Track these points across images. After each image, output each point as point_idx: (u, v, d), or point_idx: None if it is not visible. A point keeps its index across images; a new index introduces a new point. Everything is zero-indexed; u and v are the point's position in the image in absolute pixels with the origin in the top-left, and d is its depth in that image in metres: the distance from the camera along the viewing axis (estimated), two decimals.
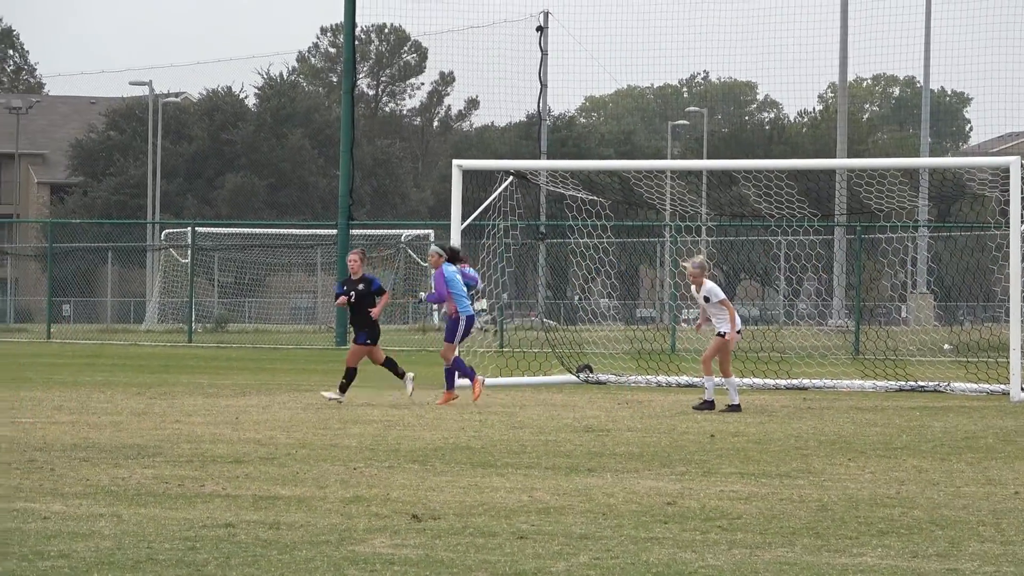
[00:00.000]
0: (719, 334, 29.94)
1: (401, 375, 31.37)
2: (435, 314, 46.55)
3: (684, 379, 37.47)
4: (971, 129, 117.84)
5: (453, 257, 31.96)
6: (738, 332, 30.46)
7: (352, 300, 31.08)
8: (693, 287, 31.00)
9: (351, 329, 33.20)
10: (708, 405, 29.56)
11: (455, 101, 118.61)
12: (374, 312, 30.03)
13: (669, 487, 17.51)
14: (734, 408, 29.74)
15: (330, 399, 30.20)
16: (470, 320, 32.13)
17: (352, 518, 14.11)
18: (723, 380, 30.18)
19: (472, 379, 31.62)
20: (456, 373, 31.21)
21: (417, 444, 23.33)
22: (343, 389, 29.62)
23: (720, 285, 31.94)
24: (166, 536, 12.72)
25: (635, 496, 16.54)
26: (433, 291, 31.76)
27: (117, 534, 12.85)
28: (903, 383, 36.93)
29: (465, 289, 31.65)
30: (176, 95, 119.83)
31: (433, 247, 34.85)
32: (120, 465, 19.55)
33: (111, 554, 11.85)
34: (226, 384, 37.80)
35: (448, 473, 19.55)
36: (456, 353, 31.91)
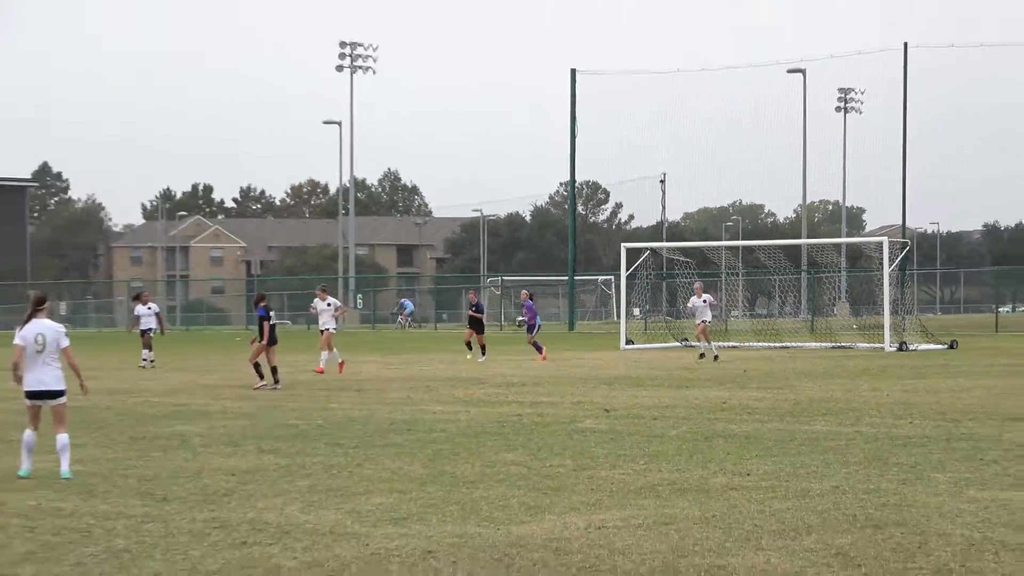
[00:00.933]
0: (701, 322, 49.76)
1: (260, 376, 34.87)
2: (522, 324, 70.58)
3: (729, 343, 60.54)
4: (865, 225, 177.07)
5: (531, 296, 55.84)
6: (707, 320, 50.91)
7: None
8: (696, 296, 50.34)
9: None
10: (703, 356, 50.24)
11: (623, 215, 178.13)
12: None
13: (723, 394, 33.32)
14: (716, 358, 49.23)
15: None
16: (537, 324, 53.15)
17: (575, 411, 28.57)
18: (709, 344, 49.58)
19: (541, 351, 50.29)
20: (540, 348, 51.45)
21: (604, 375, 40.28)
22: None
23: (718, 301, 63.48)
24: (488, 420, 26.34)
25: (708, 398, 32.14)
26: (524, 313, 55.47)
27: (470, 420, 26.13)
28: (835, 344, 61.20)
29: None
30: (494, 216, 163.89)
31: (524, 290, 59.37)
32: (463, 388, 35.08)
33: (447, 431, 24.24)
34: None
35: (621, 388, 35.58)
36: (535, 339, 51.85)
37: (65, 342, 18.38)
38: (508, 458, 20.41)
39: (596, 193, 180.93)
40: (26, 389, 18.38)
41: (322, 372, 40.33)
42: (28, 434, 18.30)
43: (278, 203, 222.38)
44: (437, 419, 27.14)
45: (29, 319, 18.27)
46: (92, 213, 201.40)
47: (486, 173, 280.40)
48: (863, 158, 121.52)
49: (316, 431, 25.07)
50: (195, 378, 41.55)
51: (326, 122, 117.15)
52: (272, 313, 36.77)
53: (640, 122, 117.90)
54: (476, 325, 49.62)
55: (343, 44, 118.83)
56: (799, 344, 63.40)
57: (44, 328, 18.18)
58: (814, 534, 13.72)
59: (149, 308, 47.07)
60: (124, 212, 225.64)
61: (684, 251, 77.80)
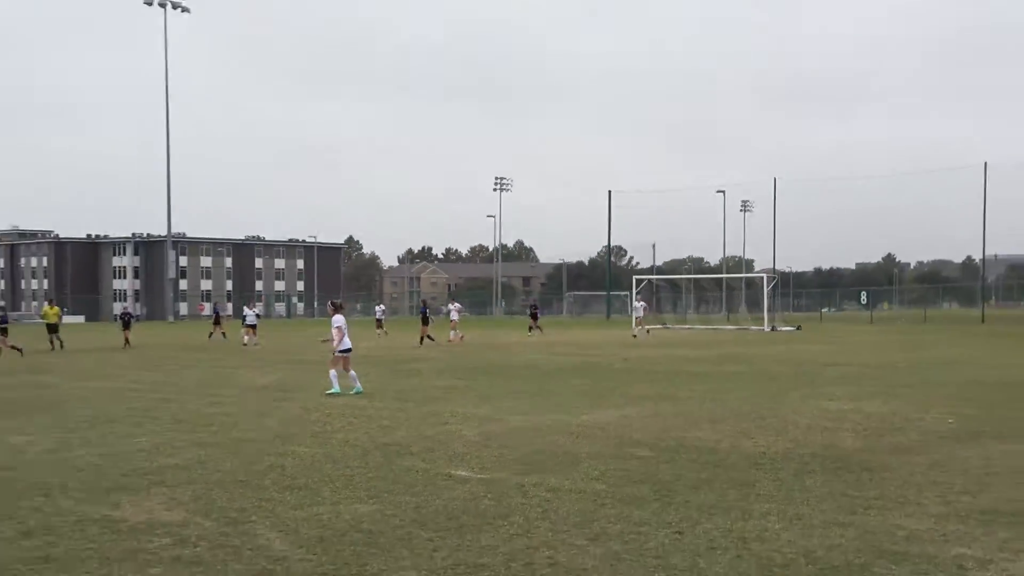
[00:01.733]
0: (638, 316, 54.74)
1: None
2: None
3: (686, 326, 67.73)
4: (755, 266, 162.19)
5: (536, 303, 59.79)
6: (640, 316, 55.27)
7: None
8: (638, 303, 56.88)
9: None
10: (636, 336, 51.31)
11: (634, 262, 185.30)
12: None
13: (687, 352, 36.73)
14: (648, 332, 53.57)
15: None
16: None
17: (610, 360, 31.78)
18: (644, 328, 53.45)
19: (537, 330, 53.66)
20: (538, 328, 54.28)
21: (622, 343, 47.24)
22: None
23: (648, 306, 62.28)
24: (566, 363, 29.88)
25: (677, 354, 35.16)
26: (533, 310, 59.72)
27: (558, 363, 29.91)
28: (739, 327, 66.50)
29: None
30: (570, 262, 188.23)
31: (534, 299, 66.92)
32: (554, 347, 41.12)
33: (545, 368, 28.21)
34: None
35: (632, 349, 39.23)
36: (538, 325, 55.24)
37: (345, 326, 21.52)
38: (577, 382, 23.13)
39: (620, 249, 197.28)
40: (341, 348, 21.34)
41: (451, 341, 46.13)
42: (334, 373, 21.25)
43: (464, 255, 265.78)
44: (542, 362, 30.81)
45: (337, 312, 21.88)
46: (372, 260, 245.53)
47: (571, 237, 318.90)
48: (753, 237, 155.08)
49: (480, 368, 28.48)
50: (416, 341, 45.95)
51: (488, 215, 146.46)
52: (428, 310, 47.30)
53: (644, 217, 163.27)
54: (534, 317, 57.16)
55: (497, 179, 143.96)
56: (720, 327, 71.22)
57: (343, 320, 21.64)
58: (728, 422, 15.82)
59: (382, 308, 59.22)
60: (388, 259, 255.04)
61: (665, 280, 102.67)
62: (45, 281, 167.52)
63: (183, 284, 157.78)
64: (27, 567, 7.59)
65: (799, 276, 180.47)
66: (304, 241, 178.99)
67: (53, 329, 43.81)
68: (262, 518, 9.23)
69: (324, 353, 26.38)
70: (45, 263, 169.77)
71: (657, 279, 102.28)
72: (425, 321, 45.17)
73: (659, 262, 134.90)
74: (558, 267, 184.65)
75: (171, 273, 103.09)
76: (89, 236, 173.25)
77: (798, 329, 63.14)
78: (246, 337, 45.09)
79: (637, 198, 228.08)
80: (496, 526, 8.84)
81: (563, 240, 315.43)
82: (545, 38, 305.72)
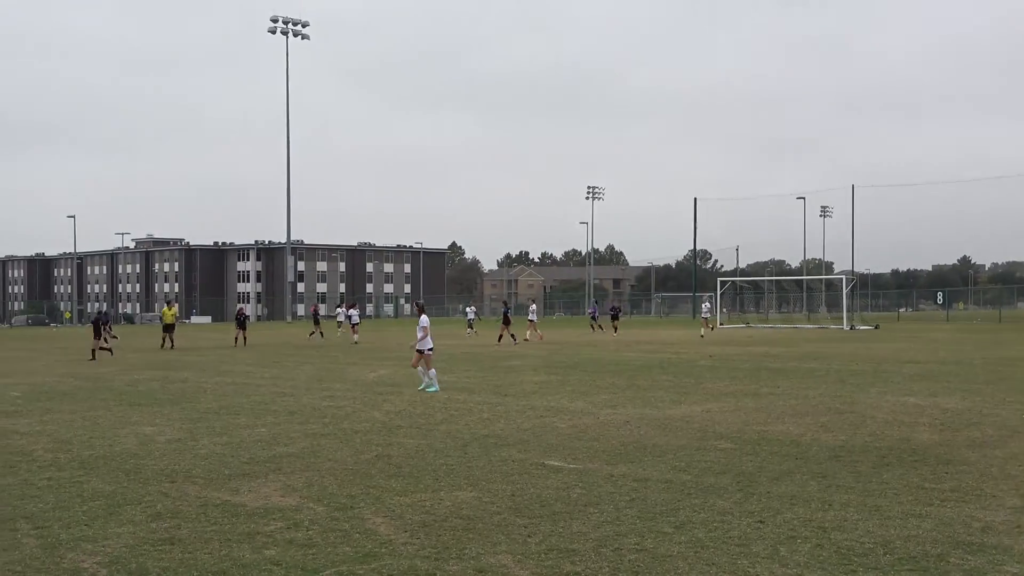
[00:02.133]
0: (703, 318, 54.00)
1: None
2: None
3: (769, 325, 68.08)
4: (834, 268, 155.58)
5: (596, 301, 57.85)
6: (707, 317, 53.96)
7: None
8: (705, 304, 55.24)
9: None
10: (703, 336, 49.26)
11: (718, 264, 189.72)
12: None
13: (767, 349, 36.01)
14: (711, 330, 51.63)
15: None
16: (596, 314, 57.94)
17: (694, 356, 31.26)
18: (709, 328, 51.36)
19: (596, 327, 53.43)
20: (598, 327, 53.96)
21: (708, 340, 47.27)
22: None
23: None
24: (652, 360, 29.40)
25: (758, 352, 34.10)
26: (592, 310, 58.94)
27: (644, 360, 29.39)
28: (818, 325, 70.22)
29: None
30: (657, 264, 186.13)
31: (593, 300, 65.54)
32: (640, 345, 40.38)
33: (634, 364, 27.83)
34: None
35: (717, 346, 38.73)
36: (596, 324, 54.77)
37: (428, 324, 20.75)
38: (663, 378, 22.85)
39: (705, 253, 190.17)
40: (425, 347, 20.72)
41: (528, 340, 45.49)
42: (422, 370, 20.67)
43: (558, 259, 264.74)
44: (630, 359, 30.58)
45: (423, 313, 21.45)
46: (473, 264, 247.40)
47: (658, 241, 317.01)
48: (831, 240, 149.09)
49: (573, 364, 28.35)
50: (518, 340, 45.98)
51: (581, 222, 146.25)
52: (508, 309, 47.42)
53: (727, 222, 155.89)
54: (615, 318, 55.09)
55: (589, 188, 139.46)
56: (801, 326, 69.74)
57: (428, 320, 21.09)
58: (809, 416, 15.49)
59: (473, 309, 58.09)
60: (488, 263, 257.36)
61: (748, 281, 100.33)
62: (176, 284, 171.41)
63: (300, 287, 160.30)
64: (155, 548, 7.71)
65: (877, 277, 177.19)
66: (411, 247, 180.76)
67: (168, 329, 43.63)
68: (369, 504, 9.26)
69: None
70: (176, 268, 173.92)
71: (740, 281, 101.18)
72: (506, 321, 45.04)
73: (742, 264, 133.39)
74: (647, 270, 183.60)
75: (290, 277, 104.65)
76: (216, 243, 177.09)
77: (876, 328, 61.95)
78: (355, 336, 45.64)
79: (720, 205, 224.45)
80: (587, 513, 8.76)
81: (651, 244, 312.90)
82: (634, 53, 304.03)
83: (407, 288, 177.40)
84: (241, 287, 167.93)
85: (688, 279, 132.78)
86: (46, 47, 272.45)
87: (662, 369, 26.14)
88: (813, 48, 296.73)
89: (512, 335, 43.32)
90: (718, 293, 74.14)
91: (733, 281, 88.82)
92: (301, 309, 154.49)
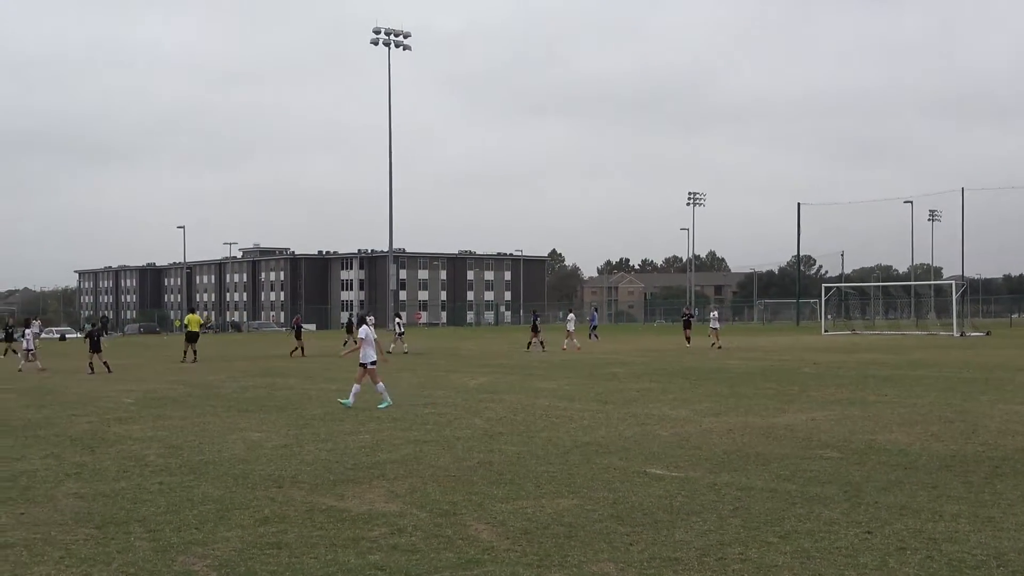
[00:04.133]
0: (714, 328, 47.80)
1: None
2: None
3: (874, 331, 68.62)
4: (943, 274, 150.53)
5: (596, 308, 57.44)
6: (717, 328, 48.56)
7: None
8: (713, 313, 50.36)
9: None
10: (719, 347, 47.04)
11: (822, 271, 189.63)
12: None
13: (876, 356, 34.65)
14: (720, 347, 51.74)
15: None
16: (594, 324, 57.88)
17: (798, 363, 30.72)
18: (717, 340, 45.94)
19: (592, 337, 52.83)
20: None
21: (811, 347, 46.71)
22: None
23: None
24: (755, 368, 29.02)
25: (865, 358, 33.35)
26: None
27: (747, 367, 29.37)
28: (928, 332, 69.91)
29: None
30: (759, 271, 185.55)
31: (593, 304, 60.77)
32: (745, 351, 39.97)
33: (736, 372, 27.51)
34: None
35: (821, 353, 37.75)
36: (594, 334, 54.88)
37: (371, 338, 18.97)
38: (767, 386, 22.59)
39: (809, 258, 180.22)
40: (371, 360, 19.00)
41: (565, 349, 44.71)
42: (356, 387, 18.96)
43: (659, 265, 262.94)
44: (732, 367, 30.24)
45: (362, 324, 19.57)
46: (574, 271, 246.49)
47: (760, 247, 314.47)
48: (940, 245, 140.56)
49: (675, 372, 28.16)
50: (619, 347, 47.45)
51: (682, 228, 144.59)
52: (537, 318, 47.35)
53: (831, 227, 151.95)
54: (687, 326, 51.51)
55: (690, 194, 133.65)
56: (909, 332, 68.26)
57: (370, 331, 19.24)
58: (918, 425, 15.11)
59: (572, 316, 54.64)
60: (588, 270, 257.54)
61: (854, 287, 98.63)
62: (282, 293, 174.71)
63: (403, 295, 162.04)
64: (262, 552, 7.84)
65: (988, 283, 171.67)
66: (511, 254, 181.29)
67: (192, 338, 38.77)
68: (471, 510, 9.28)
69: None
70: (282, 277, 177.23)
71: (846, 287, 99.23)
72: (535, 329, 45.13)
73: (847, 270, 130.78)
74: (749, 276, 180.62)
75: (392, 285, 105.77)
76: (320, 252, 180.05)
77: (987, 334, 60.43)
78: (405, 346, 43.98)
79: (825, 209, 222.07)
80: (689, 522, 8.68)
81: (753, 250, 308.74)
82: (730, 58, 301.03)
83: (507, 296, 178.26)
84: (344, 295, 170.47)
85: (791, 285, 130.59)
86: (131, 62, 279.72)
87: (765, 377, 25.79)
88: (913, 49, 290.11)
89: (541, 342, 43.54)
90: (823, 299, 72.85)
91: (838, 287, 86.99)
92: (404, 317, 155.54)
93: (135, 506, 9.74)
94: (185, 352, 38.71)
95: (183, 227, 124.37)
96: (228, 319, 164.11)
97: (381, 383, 19.09)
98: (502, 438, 14.25)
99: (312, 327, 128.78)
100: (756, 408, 17.91)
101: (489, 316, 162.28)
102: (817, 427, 15.00)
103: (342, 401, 19.27)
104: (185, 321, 41.61)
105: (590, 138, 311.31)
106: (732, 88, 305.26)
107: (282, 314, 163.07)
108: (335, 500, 9.87)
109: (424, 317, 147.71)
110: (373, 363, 19.06)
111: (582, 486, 10.44)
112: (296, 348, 42.88)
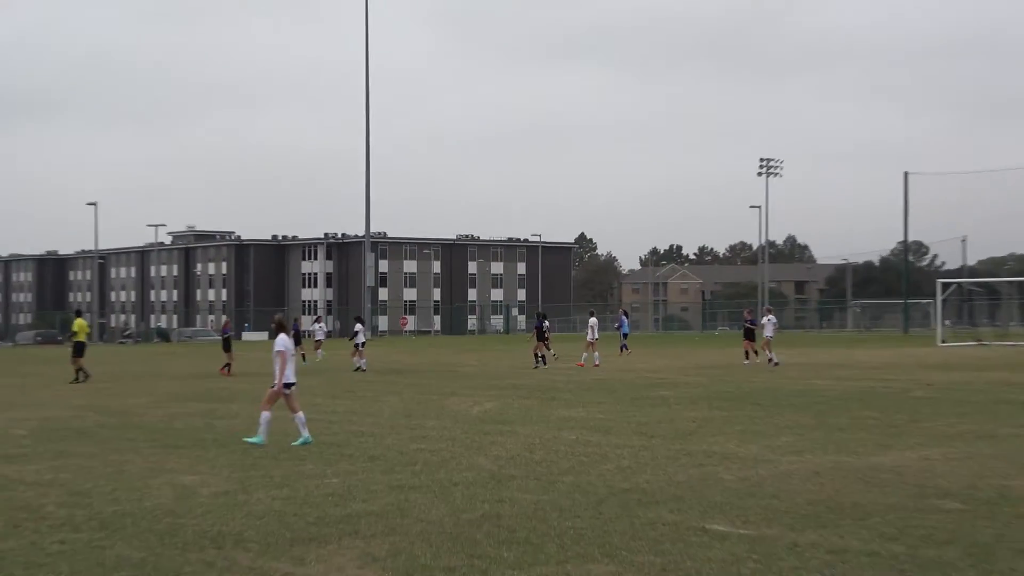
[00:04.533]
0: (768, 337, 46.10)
1: None
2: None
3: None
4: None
5: (626, 312, 60.98)
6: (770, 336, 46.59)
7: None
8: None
9: None
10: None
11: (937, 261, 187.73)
12: None
13: (1013, 376, 35.44)
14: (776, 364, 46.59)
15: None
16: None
17: (907, 384, 30.89)
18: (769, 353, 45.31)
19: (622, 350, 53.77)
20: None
21: (925, 362, 47.05)
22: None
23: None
24: (852, 390, 29.19)
25: (996, 377, 33.90)
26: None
27: (841, 390, 29.42)
28: None
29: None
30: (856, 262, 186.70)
31: (623, 309, 63.24)
32: (835, 370, 41.27)
33: (826, 396, 27.71)
34: None
35: (937, 371, 38.34)
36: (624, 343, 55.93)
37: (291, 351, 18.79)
38: (866, 414, 22.65)
39: (920, 246, 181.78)
40: (291, 380, 18.94)
41: (582, 365, 44.78)
42: (266, 415, 19.83)
43: (721, 255, 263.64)
44: (819, 389, 30.35)
45: (280, 331, 19.27)
46: (609, 263, 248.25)
47: (853, 234, 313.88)
48: None
49: (744, 395, 28.37)
50: (669, 363, 47.97)
51: (752, 206, 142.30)
52: (546, 324, 46.89)
53: (951, 205, 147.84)
54: (749, 335, 48.85)
55: (762, 161, 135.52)
56: None
57: (288, 342, 19.09)
58: None
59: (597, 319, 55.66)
60: (628, 261, 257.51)
61: (980, 284, 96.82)
62: (224, 291, 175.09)
63: (383, 293, 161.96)
64: None
65: None
66: (526, 241, 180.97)
67: (79, 350, 39.26)
68: None
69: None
70: (224, 269, 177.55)
71: (969, 283, 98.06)
72: (540, 336, 44.84)
73: (971, 261, 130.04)
74: (840, 268, 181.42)
75: (369, 280, 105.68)
76: (275, 237, 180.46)
77: None
78: (363, 360, 44.27)
79: (941, 182, 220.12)
80: None
81: (846, 235, 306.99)
82: None
83: (521, 294, 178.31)
84: (307, 293, 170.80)
85: (896, 281, 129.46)
86: None
87: (863, 402, 25.96)
88: None
89: (544, 352, 44.01)
90: (939, 300, 72.87)
91: (959, 283, 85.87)
92: (384, 322, 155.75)
93: (28, 572, 9.80)
94: (78, 372, 38.67)
95: (94, 204, 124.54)
96: (153, 325, 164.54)
97: (301, 412, 19.18)
98: (514, 483, 14.39)
99: (264, 335, 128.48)
100: (851, 444, 18.08)
101: (496, 322, 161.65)
102: (933, 469, 15.10)
103: (250, 440, 19.08)
104: (73, 328, 40.85)
105: (630, 89, 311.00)
106: (818, 24, 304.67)
107: (223, 317, 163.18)
108: (292, 565, 9.92)
109: (411, 323, 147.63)
110: (293, 385, 19.03)
111: (620, 547, 10.51)
112: (226, 365, 43.17)
